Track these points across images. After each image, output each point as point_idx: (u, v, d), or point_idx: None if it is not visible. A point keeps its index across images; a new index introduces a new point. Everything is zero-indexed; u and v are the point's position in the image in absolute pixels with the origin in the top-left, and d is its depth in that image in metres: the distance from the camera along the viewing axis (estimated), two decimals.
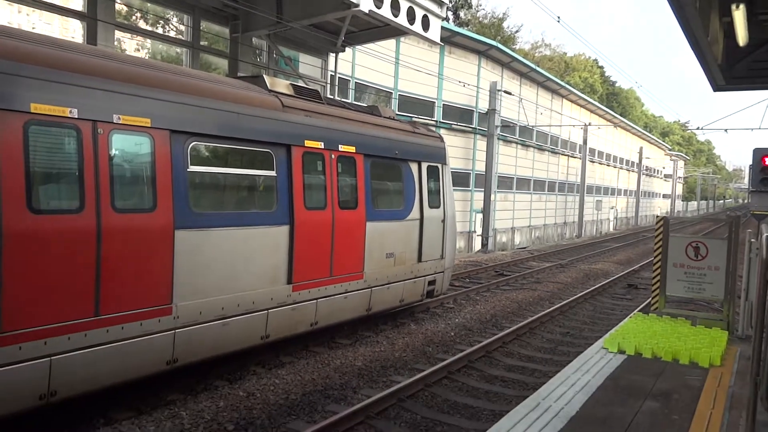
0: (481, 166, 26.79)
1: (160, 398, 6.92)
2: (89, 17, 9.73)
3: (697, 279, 8.39)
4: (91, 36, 9.75)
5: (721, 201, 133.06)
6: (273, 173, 8.01)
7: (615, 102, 67.97)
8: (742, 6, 5.63)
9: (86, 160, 5.70)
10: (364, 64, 19.65)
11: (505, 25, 50.40)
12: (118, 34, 10.54)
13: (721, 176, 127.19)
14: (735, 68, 8.24)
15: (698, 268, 8.38)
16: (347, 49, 15.20)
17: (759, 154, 12.90)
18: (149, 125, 6.30)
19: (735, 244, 8.28)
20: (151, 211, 6.33)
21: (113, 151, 5.99)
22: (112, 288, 5.89)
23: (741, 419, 4.85)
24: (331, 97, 13.24)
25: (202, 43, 11.99)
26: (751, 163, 13.35)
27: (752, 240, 7.79)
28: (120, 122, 6.01)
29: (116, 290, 5.95)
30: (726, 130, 39.62)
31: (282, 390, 7.46)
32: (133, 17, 11.75)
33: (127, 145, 6.23)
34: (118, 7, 10.63)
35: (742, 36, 6.31)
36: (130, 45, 11.80)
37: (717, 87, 8.89)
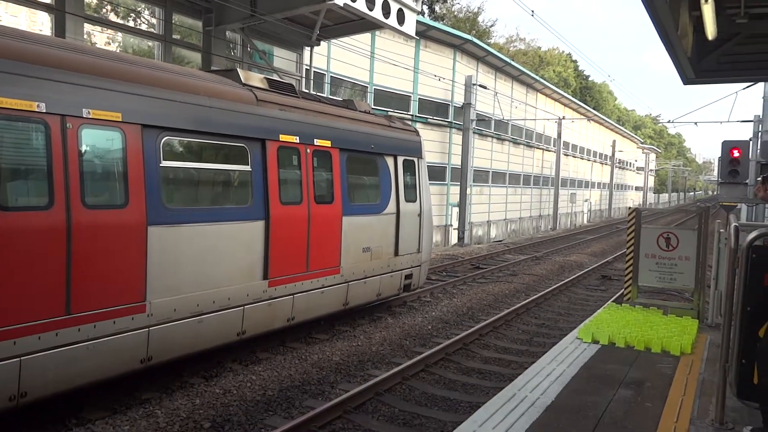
0: (457, 160, 26.89)
1: (135, 397, 6.84)
2: (57, 9, 9.51)
3: (669, 269, 8.54)
4: (59, 29, 9.54)
5: (692, 193, 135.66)
6: (248, 168, 7.94)
7: (588, 96, 68.72)
8: (710, 0, 5.73)
9: (55, 155, 5.58)
10: (340, 58, 19.56)
11: (480, 19, 50.67)
12: (87, 27, 10.33)
13: (692, 169, 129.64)
14: (704, 62, 8.37)
15: (669, 259, 8.53)
16: (322, 42, 15.11)
17: (727, 146, 13.18)
18: (120, 120, 6.19)
19: (704, 235, 8.44)
20: (123, 207, 6.23)
21: (83, 147, 5.87)
22: (83, 286, 5.79)
23: (711, 405, 4.95)
24: (306, 91, 13.15)
25: (174, 36, 11.81)
26: (720, 155, 13.64)
27: (721, 230, 7.95)
28: (90, 117, 5.89)
29: (88, 288, 5.84)
30: (696, 123, 40.97)
31: (259, 386, 7.42)
32: (104, 10, 11.52)
33: (98, 140, 6.11)
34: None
35: (710, 30, 6.42)
36: (100, 38, 11.57)
37: (687, 80, 9.03)
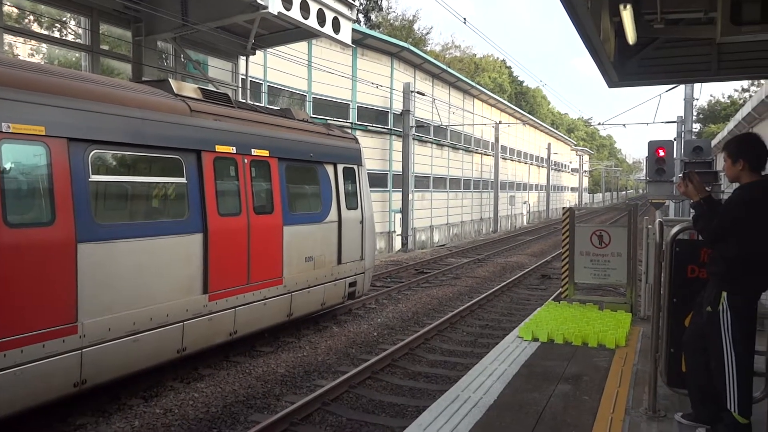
0: (398, 167, 27.10)
1: (69, 423, 6.53)
2: None
3: (602, 266, 8.86)
4: None
5: (624, 192, 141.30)
6: (183, 180, 7.75)
7: (523, 101, 70.65)
8: (629, 6, 5.99)
9: None
10: (277, 67, 19.41)
11: (415, 27, 51.41)
12: (8, 38, 9.86)
13: (623, 168, 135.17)
14: (626, 66, 8.73)
15: (603, 255, 8.85)
16: (258, 52, 14.95)
17: (653, 146, 13.80)
18: (44, 133, 5.93)
19: (634, 231, 8.80)
20: (50, 225, 5.96)
21: (3, 163, 5.59)
22: (7, 309, 5.49)
23: (645, 394, 5.15)
24: (243, 100, 12.97)
25: (102, 46, 11.42)
26: (647, 155, 14.27)
27: (649, 226, 8.32)
28: (10, 131, 5.61)
29: (12, 311, 5.54)
30: (624, 125, 42.81)
31: (202, 404, 7.23)
32: (26, 20, 11.04)
33: (20, 156, 5.83)
34: (7, 9, 9.95)
35: (630, 35, 6.70)
36: (23, 50, 11.09)
37: (612, 83, 9.38)
